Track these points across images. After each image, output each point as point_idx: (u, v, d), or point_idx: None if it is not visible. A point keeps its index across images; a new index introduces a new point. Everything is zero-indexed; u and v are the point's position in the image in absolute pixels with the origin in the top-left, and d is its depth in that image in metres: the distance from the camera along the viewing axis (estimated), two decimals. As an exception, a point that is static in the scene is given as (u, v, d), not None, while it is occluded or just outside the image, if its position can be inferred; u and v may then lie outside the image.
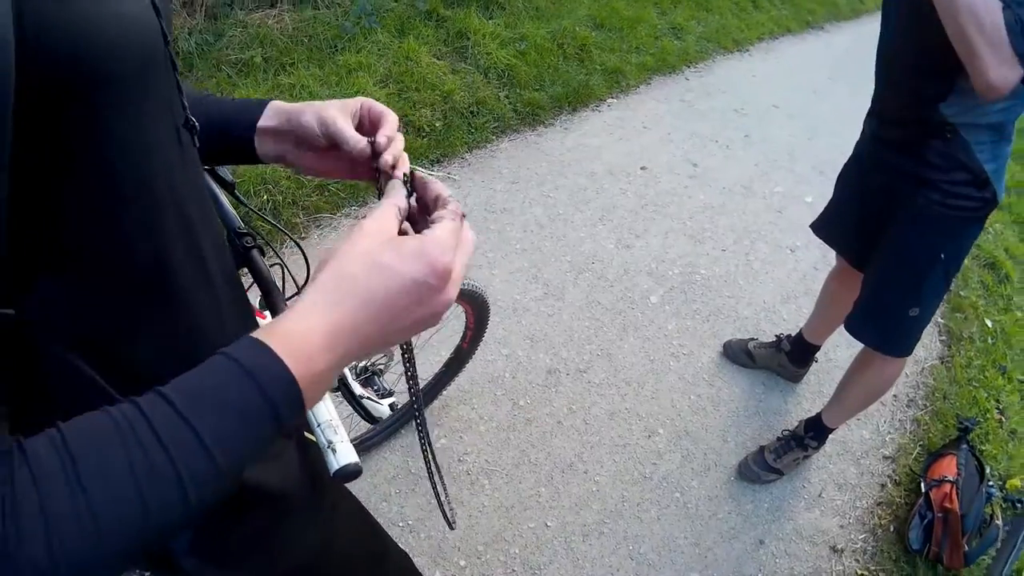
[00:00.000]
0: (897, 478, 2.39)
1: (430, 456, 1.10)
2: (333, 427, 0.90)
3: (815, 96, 5.29)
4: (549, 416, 2.41)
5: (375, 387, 1.65)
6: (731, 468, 2.30)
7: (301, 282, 1.08)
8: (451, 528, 1.41)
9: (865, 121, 1.96)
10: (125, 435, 0.46)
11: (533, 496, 2.17)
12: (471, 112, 3.85)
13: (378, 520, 1.21)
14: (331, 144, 0.81)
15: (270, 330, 0.52)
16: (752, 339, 2.70)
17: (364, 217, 0.59)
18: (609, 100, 4.52)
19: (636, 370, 2.61)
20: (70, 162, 0.50)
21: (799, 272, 3.22)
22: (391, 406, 2.06)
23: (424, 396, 2.28)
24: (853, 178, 2.05)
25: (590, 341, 2.70)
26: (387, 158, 0.74)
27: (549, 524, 2.10)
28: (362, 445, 2.10)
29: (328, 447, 0.88)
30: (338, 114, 0.80)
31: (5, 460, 0.42)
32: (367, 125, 0.82)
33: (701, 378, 2.61)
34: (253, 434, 0.50)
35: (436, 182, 0.68)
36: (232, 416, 0.49)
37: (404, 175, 0.70)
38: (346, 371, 1.40)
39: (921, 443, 2.53)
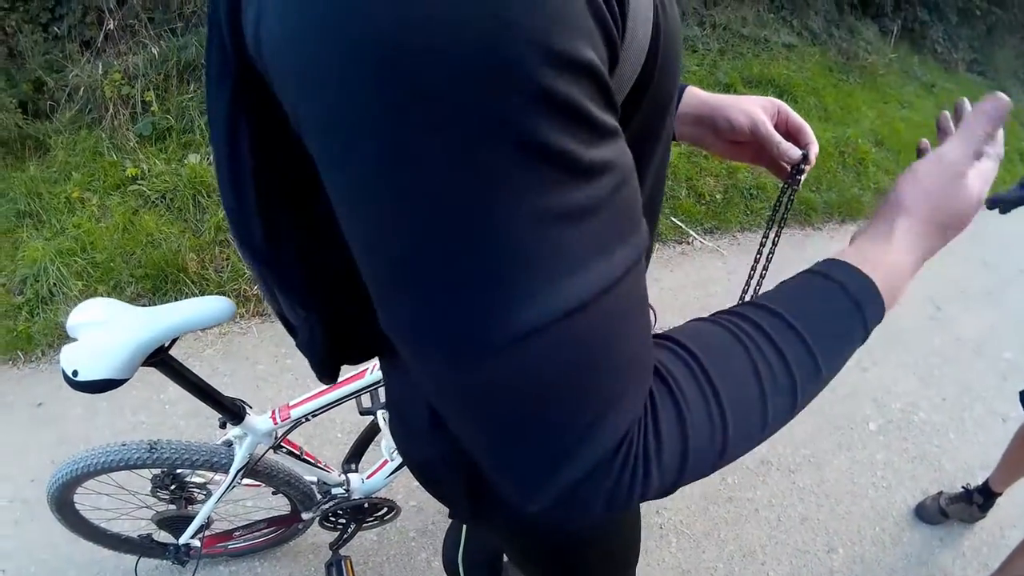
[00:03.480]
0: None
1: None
2: None
3: (1067, 273, 5.18)
4: (749, 501, 2.59)
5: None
6: (887, 608, 2.35)
7: None
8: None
9: None
10: (748, 347, 0.50)
11: (709, 570, 2.32)
12: (751, 194, 4.08)
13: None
14: (754, 139, 0.89)
15: (861, 255, 0.59)
16: (940, 493, 2.75)
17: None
18: (875, 221, 4.61)
19: (838, 487, 2.74)
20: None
21: (1005, 443, 3.29)
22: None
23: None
24: None
25: (806, 445, 2.88)
26: (806, 168, 0.86)
27: (713, 600, 2.24)
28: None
29: None
30: (766, 118, 0.89)
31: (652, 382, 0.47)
32: (782, 128, 0.91)
33: (890, 514, 2.70)
34: (847, 348, 0.55)
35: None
36: (834, 331, 0.54)
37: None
38: None
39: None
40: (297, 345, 0.75)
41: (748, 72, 5.01)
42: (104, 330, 1.14)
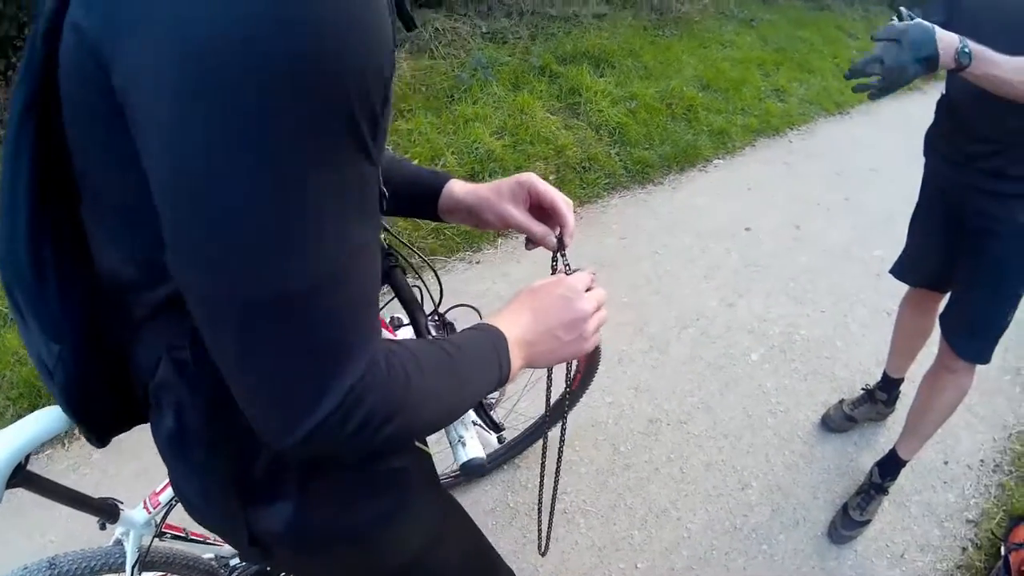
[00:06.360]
0: (978, 542, 2.38)
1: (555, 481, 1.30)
2: (464, 424, 0.97)
3: (912, 160, 5.26)
4: (647, 463, 2.53)
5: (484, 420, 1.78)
6: (819, 524, 2.35)
7: (436, 301, 1.23)
8: (541, 555, 1.61)
9: (931, 155, 2.14)
10: (445, 362, 0.71)
11: (626, 538, 2.27)
12: (583, 167, 4.07)
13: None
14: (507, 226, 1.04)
15: (495, 319, 0.83)
16: (842, 400, 2.77)
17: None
18: (715, 161, 4.70)
19: (734, 424, 2.71)
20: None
21: (893, 335, 3.29)
22: (499, 439, 2.24)
23: (530, 436, 2.40)
24: (935, 215, 2.15)
25: (692, 394, 2.84)
26: (566, 246, 1.02)
27: (639, 566, 2.19)
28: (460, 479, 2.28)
29: (458, 441, 0.96)
30: (515, 210, 1.01)
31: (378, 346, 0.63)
32: (535, 202, 1.02)
33: (796, 435, 2.69)
34: (489, 379, 0.77)
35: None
36: (485, 366, 0.77)
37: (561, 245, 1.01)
38: None
39: (1004, 508, 2.51)
40: (61, 401, 0.79)
41: (561, 51, 4.98)
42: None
